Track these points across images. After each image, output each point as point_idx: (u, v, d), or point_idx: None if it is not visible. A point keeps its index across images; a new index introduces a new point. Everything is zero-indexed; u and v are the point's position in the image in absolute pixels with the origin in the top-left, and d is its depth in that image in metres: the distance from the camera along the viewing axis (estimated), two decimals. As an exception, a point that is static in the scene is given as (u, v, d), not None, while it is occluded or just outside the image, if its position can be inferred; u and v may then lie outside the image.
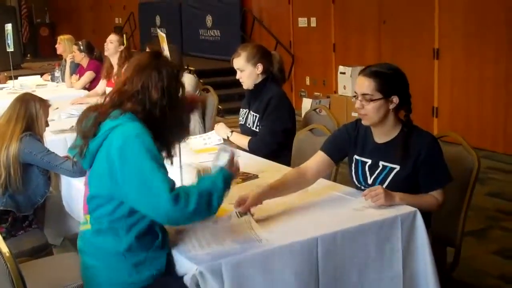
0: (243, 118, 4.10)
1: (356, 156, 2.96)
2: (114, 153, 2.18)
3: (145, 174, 2.11)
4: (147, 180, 2.10)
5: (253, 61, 3.89)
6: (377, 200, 2.66)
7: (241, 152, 3.84)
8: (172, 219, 2.14)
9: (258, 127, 3.91)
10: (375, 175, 2.87)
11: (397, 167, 2.81)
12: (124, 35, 6.21)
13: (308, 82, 10.29)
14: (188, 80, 5.05)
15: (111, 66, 6.23)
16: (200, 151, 3.92)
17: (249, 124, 3.98)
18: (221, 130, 4.04)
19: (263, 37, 11.10)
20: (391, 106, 2.80)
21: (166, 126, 2.32)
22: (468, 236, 4.33)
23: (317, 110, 4.37)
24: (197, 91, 5.23)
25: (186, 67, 10.19)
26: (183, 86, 2.39)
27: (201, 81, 7.60)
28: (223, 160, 2.35)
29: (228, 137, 3.96)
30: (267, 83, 3.94)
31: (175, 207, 2.08)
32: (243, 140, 3.91)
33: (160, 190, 2.08)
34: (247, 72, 3.91)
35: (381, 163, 2.86)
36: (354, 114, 8.23)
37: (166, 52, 3.11)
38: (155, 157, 2.16)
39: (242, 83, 3.98)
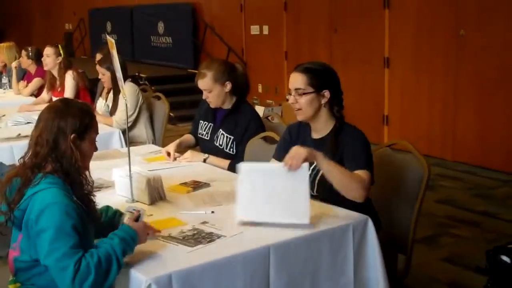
0: (207, 133, 3.97)
1: None
2: (33, 220, 2.20)
3: (52, 244, 2.12)
4: (53, 250, 2.12)
5: (221, 80, 3.79)
6: (298, 160, 2.53)
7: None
8: None
9: (232, 149, 3.82)
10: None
11: None
12: (60, 46, 6.17)
13: (260, 90, 10.31)
14: (128, 88, 4.96)
15: (54, 77, 6.21)
16: (151, 160, 3.87)
17: (220, 145, 3.86)
18: (195, 157, 3.81)
19: (215, 44, 11.08)
20: (323, 101, 2.92)
21: (80, 174, 2.34)
22: (418, 243, 4.37)
23: (269, 117, 4.36)
24: (138, 101, 5.13)
25: (137, 74, 10.10)
26: (90, 128, 2.40)
27: (152, 88, 7.52)
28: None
29: (204, 161, 3.78)
30: (242, 106, 3.87)
31: (73, 285, 2.08)
32: (221, 163, 3.76)
33: (64, 264, 2.09)
34: (215, 92, 3.80)
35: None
36: (306, 122, 8.24)
37: (115, 58, 3.05)
38: (68, 227, 2.15)
39: (209, 102, 3.86)
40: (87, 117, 2.39)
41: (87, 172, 2.39)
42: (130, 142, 3.28)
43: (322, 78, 2.92)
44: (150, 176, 2.94)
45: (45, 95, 6.33)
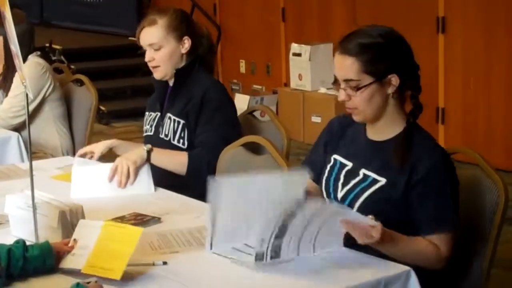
0: (151, 126, 4.04)
1: (335, 156, 3.07)
2: None
3: None
4: None
5: (177, 33, 3.85)
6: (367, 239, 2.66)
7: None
8: None
9: (182, 140, 3.86)
10: (349, 186, 2.95)
11: (383, 181, 2.89)
12: None
13: (243, 69, 10.33)
14: (28, 66, 4.86)
15: None
16: (61, 178, 3.86)
17: (166, 135, 3.92)
18: (131, 160, 3.63)
19: (172, -2, 11.10)
20: (390, 90, 2.92)
21: None
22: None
23: (258, 113, 4.38)
24: (43, 87, 5.11)
25: (47, 46, 10.06)
26: None
27: (72, 66, 7.51)
28: None
29: (148, 156, 3.68)
30: (195, 71, 3.91)
31: None
32: (176, 157, 3.78)
33: None
34: (167, 49, 3.84)
35: (362, 171, 2.94)
36: (315, 119, 8.30)
37: (9, 21, 3.04)
38: None
39: (153, 70, 3.91)
40: None
41: None
42: (33, 152, 3.28)
43: (384, 57, 2.91)
44: (65, 207, 2.93)
45: None
